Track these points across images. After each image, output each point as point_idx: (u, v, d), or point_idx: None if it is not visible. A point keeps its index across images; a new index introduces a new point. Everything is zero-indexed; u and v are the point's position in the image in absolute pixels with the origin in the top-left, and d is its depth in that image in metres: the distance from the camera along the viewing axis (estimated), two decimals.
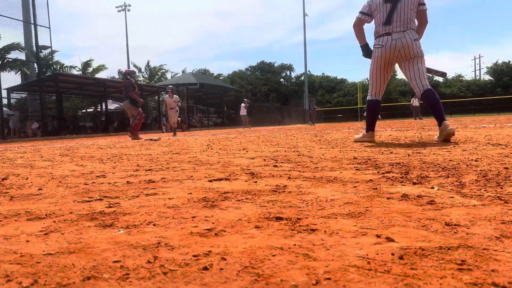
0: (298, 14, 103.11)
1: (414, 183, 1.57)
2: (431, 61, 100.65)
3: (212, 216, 1.16)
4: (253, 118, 27.10)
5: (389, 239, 0.87)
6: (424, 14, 3.95)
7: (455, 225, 0.97)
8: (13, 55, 19.99)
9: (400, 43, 3.85)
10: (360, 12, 4.11)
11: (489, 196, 1.28)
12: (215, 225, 1.06)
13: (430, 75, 4.37)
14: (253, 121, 25.08)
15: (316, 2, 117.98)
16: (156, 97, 27.50)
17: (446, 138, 3.65)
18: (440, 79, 48.24)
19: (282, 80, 58.62)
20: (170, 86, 13.69)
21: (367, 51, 4.19)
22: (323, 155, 2.95)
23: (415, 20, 3.96)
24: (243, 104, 22.47)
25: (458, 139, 4.08)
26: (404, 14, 3.83)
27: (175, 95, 13.12)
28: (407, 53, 3.88)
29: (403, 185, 1.55)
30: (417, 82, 3.89)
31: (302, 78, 49.65)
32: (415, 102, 25.06)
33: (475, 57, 68.33)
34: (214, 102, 36.07)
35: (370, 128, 4.21)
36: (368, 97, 4.25)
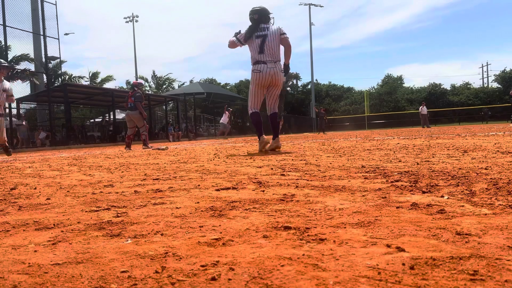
0: (304, 23, 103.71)
1: (424, 192, 1.55)
2: (438, 69, 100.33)
3: (219, 225, 1.16)
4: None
5: (400, 249, 0.86)
6: (285, 40, 4.91)
7: (466, 234, 0.95)
8: (23, 65, 20.27)
9: (273, 71, 4.85)
10: (236, 37, 5.02)
11: (500, 204, 1.26)
12: (222, 234, 1.05)
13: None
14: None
15: (321, 11, 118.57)
16: (164, 106, 27.69)
17: (273, 149, 4.82)
18: (448, 87, 48.20)
19: (288, 88, 58.71)
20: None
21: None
22: (330, 163, 2.93)
23: (281, 48, 4.97)
24: (226, 112, 20.73)
25: (467, 147, 4.04)
26: (273, 47, 4.84)
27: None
28: (276, 81, 4.93)
29: (412, 194, 1.53)
30: (271, 106, 5.10)
31: (309, 86, 49.72)
32: (423, 110, 24.95)
33: (482, 64, 68.09)
34: (221, 111, 36.18)
35: (260, 133, 4.96)
36: (250, 111, 5.10)
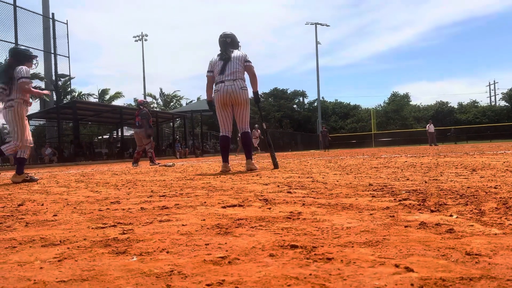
0: (311, 42, 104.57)
1: (432, 211, 1.53)
2: (445, 87, 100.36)
3: (225, 243, 1.15)
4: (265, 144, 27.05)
5: (408, 269, 0.84)
6: (249, 69, 4.98)
7: (476, 254, 0.94)
8: (33, 83, 20.58)
9: (230, 88, 4.83)
10: (208, 71, 5.07)
11: (510, 224, 1.24)
12: (228, 252, 1.04)
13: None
14: (265, 147, 25.10)
15: (327, 30, 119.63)
16: (171, 123, 27.87)
17: (248, 170, 4.78)
18: (455, 105, 48.00)
19: (295, 106, 58.93)
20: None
21: (211, 106, 5.08)
22: (337, 181, 2.92)
23: (245, 73, 5.00)
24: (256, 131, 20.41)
25: (476, 165, 4.01)
26: (234, 68, 4.87)
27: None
28: (236, 98, 4.86)
29: (420, 212, 1.52)
30: (240, 125, 5.02)
31: (315, 104, 49.88)
32: (430, 128, 24.89)
33: (489, 82, 67.88)
34: None
35: (224, 159, 4.99)
36: (220, 134, 5.08)
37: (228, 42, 5.06)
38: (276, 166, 5.12)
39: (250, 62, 4.99)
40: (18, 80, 4.56)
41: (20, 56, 4.77)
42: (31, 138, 4.84)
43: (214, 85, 4.98)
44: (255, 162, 5.36)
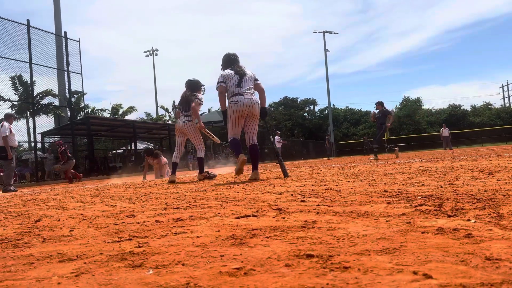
0: (319, 50, 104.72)
1: (449, 216, 1.51)
2: (457, 90, 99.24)
3: (240, 254, 1.14)
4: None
5: (427, 276, 0.83)
6: (258, 86, 5.36)
7: (496, 259, 0.92)
8: (47, 100, 20.98)
9: (250, 102, 5.17)
10: (220, 82, 5.28)
11: None
12: (244, 263, 1.04)
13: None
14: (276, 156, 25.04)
15: (336, 38, 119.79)
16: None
17: (252, 179, 5.00)
18: (468, 108, 47.41)
19: (306, 114, 58.85)
20: (144, 149, 10.59)
21: (226, 116, 5.33)
22: (351, 188, 2.89)
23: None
24: (277, 137, 20.45)
25: (492, 168, 3.94)
26: (249, 84, 5.26)
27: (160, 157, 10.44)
28: (253, 111, 5.23)
29: (437, 218, 1.49)
30: (251, 137, 5.37)
31: (326, 111, 49.76)
32: (444, 132, 24.64)
33: (502, 84, 66.83)
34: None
35: (238, 153, 5.21)
36: (230, 137, 5.37)
37: (238, 60, 5.49)
38: (285, 174, 5.19)
39: (258, 79, 5.41)
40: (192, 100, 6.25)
41: (192, 86, 6.62)
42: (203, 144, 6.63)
43: (229, 96, 5.24)
44: (268, 172, 5.47)
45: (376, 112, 12.71)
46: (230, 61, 5.46)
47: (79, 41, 19.05)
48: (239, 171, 5.19)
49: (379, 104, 12.91)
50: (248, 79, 5.26)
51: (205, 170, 6.58)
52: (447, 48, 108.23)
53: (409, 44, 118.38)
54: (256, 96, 5.29)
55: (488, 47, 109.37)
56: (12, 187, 8.65)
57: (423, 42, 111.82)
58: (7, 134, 8.58)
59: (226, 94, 5.31)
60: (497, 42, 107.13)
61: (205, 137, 6.86)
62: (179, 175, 9.63)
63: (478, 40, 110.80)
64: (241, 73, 5.26)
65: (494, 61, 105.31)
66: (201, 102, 6.47)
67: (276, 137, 20.54)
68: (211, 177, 6.39)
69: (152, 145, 26.30)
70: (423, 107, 53.70)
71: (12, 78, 20.29)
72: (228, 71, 5.30)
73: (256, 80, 5.37)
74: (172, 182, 6.13)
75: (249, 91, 5.20)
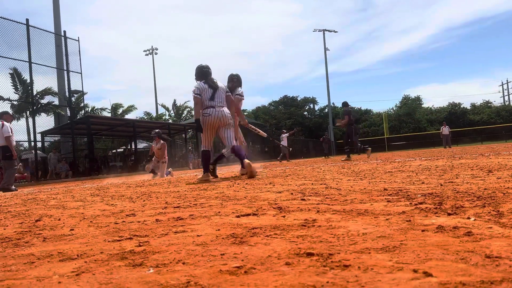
0: (319, 49, 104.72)
1: (449, 214, 1.51)
2: (457, 88, 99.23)
3: (241, 253, 1.14)
4: (277, 152, 27.07)
5: (427, 274, 0.83)
6: (228, 98, 5.96)
7: (496, 257, 0.92)
8: (46, 99, 20.99)
9: (220, 114, 5.70)
10: (196, 94, 5.73)
11: None
12: (244, 262, 1.04)
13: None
14: (278, 155, 25.00)
15: (336, 36, 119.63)
16: (183, 135, 28.05)
17: (250, 175, 5.30)
18: (468, 106, 47.38)
19: (306, 113, 58.85)
20: (157, 130, 10.36)
21: (199, 124, 5.74)
22: (351, 187, 2.89)
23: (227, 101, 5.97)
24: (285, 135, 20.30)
25: (492, 166, 3.94)
26: (221, 97, 5.80)
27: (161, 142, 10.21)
28: (224, 122, 5.76)
29: (437, 216, 1.49)
30: (228, 141, 5.82)
31: (326, 110, 49.75)
32: (444, 130, 24.73)
33: (502, 82, 66.70)
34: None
35: (206, 170, 5.79)
36: (202, 148, 5.90)
37: (211, 73, 5.97)
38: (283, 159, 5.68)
39: (228, 92, 6.03)
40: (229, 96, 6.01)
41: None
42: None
43: (202, 109, 5.75)
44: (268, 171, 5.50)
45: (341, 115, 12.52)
46: (203, 73, 5.90)
47: (78, 40, 19.05)
48: (251, 173, 5.40)
49: (344, 105, 12.84)
50: (220, 92, 5.82)
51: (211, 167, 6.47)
52: (447, 46, 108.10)
53: (409, 42, 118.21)
54: (226, 108, 5.84)
55: (488, 45, 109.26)
56: (13, 187, 8.65)
57: (423, 40, 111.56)
58: (11, 134, 8.60)
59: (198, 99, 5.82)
60: (497, 40, 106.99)
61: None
62: (178, 173, 9.62)
63: (478, 38, 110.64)
64: (214, 87, 5.78)
65: (494, 59, 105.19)
66: (242, 98, 6.42)
67: (282, 135, 20.44)
68: (247, 173, 6.38)
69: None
70: (423, 106, 53.70)
71: (12, 74, 20.26)
72: (203, 85, 5.77)
73: (227, 92, 5.98)
74: (206, 181, 6.02)
75: (220, 104, 5.78)
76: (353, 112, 12.99)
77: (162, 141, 10.05)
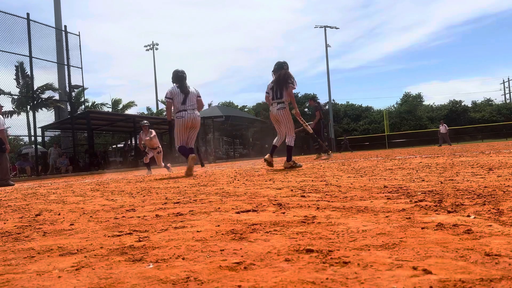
0: (320, 45, 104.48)
1: (449, 212, 1.51)
2: (458, 86, 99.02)
3: (240, 249, 1.15)
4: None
5: (427, 271, 0.83)
6: (199, 101, 6.66)
7: (496, 255, 0.92)
8: (47, 94, 20.96)
9: (192, 116, 6.48)
10: (168, 98, 6.55)
11: None
12: (244, 258, 1.04)
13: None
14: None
15: (337, 32, 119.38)
16: None
17: (188, 172, 6.24)
18: (469, 104, 47.35)
19: (306, 110, 58.78)
20: (145, 121, 10.10)
21: (171, 125, 6.62)
22: (351, 184, 2.90)
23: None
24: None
25: (492, 164, 3.94)
26: (192, 101, 6.52)
27: (152, 132, 10.00)
28: (195, 124, 6.55)
29: (437, 213, 1.49)
30: (189, 142, 6.61)
31: (327, 107, 49.69)
32: (442, 129, 24.86)
33: (503, 80, 66.57)
34: (239, 133, 36.41)
35: (186, 156, 6.39)
36: (178, 145, 6.58)
37: (185, 78, 6.62)
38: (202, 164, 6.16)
39: (200, 97, 6.68)
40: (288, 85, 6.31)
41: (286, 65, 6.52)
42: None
43: (175, 112, 6.51)
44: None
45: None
46: (178, 78, 6.57)
47: (79, 35, 19.02)
48: (189, 170, 6.22)
49: (311, 100, 12.52)
50: (191, 96, 6.51)
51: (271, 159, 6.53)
52: (449, 43, 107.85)
53: (411, 39, 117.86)
54: (197, 111, 6.58)
55: (489, 43, 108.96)
56: (11, 181, 8.62)
57: (424, 38, 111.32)
58: (4, 126, 8.53)
59: (172, 108, 6.61)
60: (499, 38, 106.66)
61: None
62: (177, 169, 9.63)
63: (479, 36, 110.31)
64: (186, 92, 6.49)
65: (495, 57, 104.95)
66: (295, 86, 6.47)
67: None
68: (297, 166, 6.36)
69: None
70: (423, 103, 53.62)
71: (17, 67, 20.24)
72: (175, 90, 6.50)
73: (198, 96, 6.64)
74: (268, 163, 6.45)
75: (191, 108, 6.49)
76: (321, 106, 12.64)
77: (152, 130, 9.95)
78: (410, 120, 48.76)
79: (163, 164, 10.00)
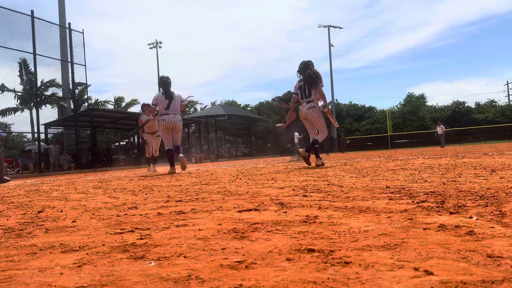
0: (324, 44, 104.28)
1: (451, 213, 1.51)
2: (462, 86, 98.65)
3: (242, 247, 1.15)
4: (280, 147, 27.03)
5: (428, 272, 0.83)
6: (182, 105, 7.57)
7: (498, 257, 0.92)
8: (50, 91, 21.02)
9: (173, 119, 7.35)
10: (153, 104, 7.48)
11: None
12: (245, 257, 1.04)
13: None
14: (280, 151, 24.98)
15: (341, 32, 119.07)
16: (186, 129, 28.08)
17: (169, 173, 6.97)
18: (472, 105, 47.15)
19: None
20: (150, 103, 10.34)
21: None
22: (354, 184, 2.89)
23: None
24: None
25: (495, 166, 3.93)
26: (176, 106, 7.40)
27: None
28: (175, 126, 7.40)
29: (439, 215, 1.49)
30: (176, 142, 7.43)
31: (330, 106, 49.67)
32: (439, 130, 25.06)
33: (507, 81, 66.24)
34: (242, 132, 36.43)
35: (172, 165, 7.34)
36: (166, 147, 7.42)
37: (169, 83, 7.38)
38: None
39: (184, 101, 7.63)
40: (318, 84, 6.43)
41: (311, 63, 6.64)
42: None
43: (159, 115, 7.39)
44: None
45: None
46: (163, 83, 7.38)
47: (83, 33, 19.02)
48: (182, 164, 7.02)
49: (283, 101, 12.31)
50: (175, 102, 7.35)
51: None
52: (453, 44, 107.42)
53: (415, 39, 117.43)
54: (179, 115, 7.45)
55: (493, 44, 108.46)
56: (6, 177, 8.59)
57: (428, 38, 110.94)
58: None
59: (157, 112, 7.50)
60: (503, 39, 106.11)
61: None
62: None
63: (484, 37, 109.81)
64: (170, 98, 7.31)
65: (499, 58, 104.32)
66: (323, 84, 6.58)
67: (296, 133, 20.24)
68: (322, 165, 6.36)
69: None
70: (427, 104, 53.49)
71: (20, 64, 20.29)
72: (161, 96, 7.34)
73: (182, 101, 7.55)
74: (304, 159, 6.43)
75: (173, 113, 7.34)
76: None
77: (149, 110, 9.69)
78: (413, 120, 48.64)
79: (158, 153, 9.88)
